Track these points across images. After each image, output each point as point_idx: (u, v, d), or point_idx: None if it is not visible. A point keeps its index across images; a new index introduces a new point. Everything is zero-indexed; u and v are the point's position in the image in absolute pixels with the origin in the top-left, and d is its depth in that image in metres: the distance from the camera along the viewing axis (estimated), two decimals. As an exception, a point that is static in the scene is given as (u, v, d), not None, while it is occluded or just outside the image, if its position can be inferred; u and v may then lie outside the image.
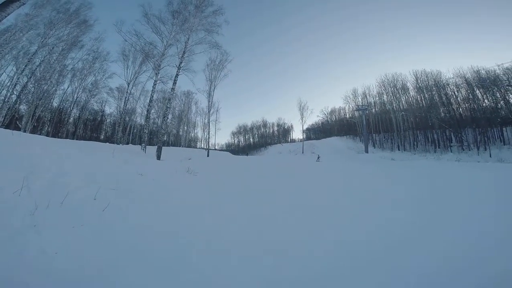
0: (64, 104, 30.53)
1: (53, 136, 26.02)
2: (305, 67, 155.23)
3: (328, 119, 70.52)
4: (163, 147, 13.69)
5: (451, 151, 33.02)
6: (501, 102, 31.93)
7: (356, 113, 50.03)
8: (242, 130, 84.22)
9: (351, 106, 54.65)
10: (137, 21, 15.05)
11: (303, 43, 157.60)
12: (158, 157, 12.10)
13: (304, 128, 65.07)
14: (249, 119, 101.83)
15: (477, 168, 14.39)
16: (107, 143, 18.52)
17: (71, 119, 33.64)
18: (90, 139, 34.25)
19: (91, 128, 40.98)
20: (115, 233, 3.10)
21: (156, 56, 15.39)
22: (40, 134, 21.29)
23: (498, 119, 31.16)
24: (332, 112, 69.44)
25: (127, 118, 32.40)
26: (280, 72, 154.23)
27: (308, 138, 68.29)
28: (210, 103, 28.92)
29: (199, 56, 16.48)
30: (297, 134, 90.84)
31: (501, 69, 31.85)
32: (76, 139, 24.44)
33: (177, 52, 14.40)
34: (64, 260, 2.32)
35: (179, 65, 14.02)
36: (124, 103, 25.44)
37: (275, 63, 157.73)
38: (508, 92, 31.16)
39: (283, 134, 79.50)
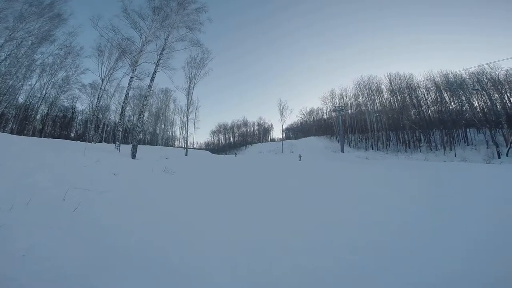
0: (31, 100, 28.69)
1: (18, 133, 24.35)
2: (286, 66, 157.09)
3: (307, 119, 72.07)
4: (138, 145, 13.28)
5: (420, 151, 34.91)
6: (466, 105, 34.26)
7: (333, 114, 51.43)
8: (222, 129, 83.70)
9: (328, 107, 56.15)
10: (115, 16, 14.40)
11: (284, 42, 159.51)
12: (133, 156, 11.73)
13: (284, 127, 65.86)
14: (230, 118, 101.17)
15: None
16: (78, 141, 17.66)
17: (39, 116, 31.71)
18: (59, 137, 32.33)
19: (61, 126, 38.82)
20: (87, 235, 2.99)
21: (134, 52, 14.85)
22: (3, 132, 19.83)
23: (463, 121, 33.41)
24: (311, 112, 71.05)
25: (100, 116, 31.04)
26: (261, 71, 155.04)
27: (287, 137, 69.23)
28: (189, 101, 28.44)
29: (179, 54, 16.15)
30: (277, 133, 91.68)
31: (467, 73, 34.20)
32: (44, 137, 23.04)
33: (156, 48, 14.03)
34: (32, 262, 2.21)
35: (157, 62, 13.65)
36: (98, 99, 24.38)
37: (257, 62, 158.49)
38: (473, 95, 33.47)
39: (263, 133, 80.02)
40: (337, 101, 52.64)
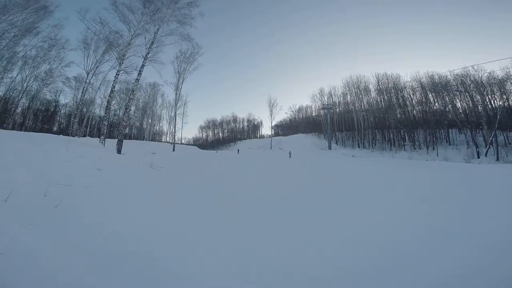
0: (11, 93, 27.62)
1: (-3, 126, 23.38)
2: (276, 63, 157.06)
3: (296, 117, 72.66)
4: (124, 140, 13.06)
5: (405, 150, 35.90)
6: (449, 106, 35.42)
7: (322, 112, 52.06)
8: (211, 125, 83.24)
9: (317, 105, 56.80)
10: (104, 9, 14.06)
11: (275, 39, 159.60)
12: (119, 151, 11.51)
13: (273, 124, 66.23)
14: (219, 113, 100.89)
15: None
16: (61, 135, 17.11)
17: (19, 109, 30.63)
18: (41, 130, 31.23)
19: (43, 119, 37.55)
20: (69, 231, 2.93)
21: (122, 46, 14.50)
22: (-20, 124, 19.01)
23: (446, 122, 34.55)
24: (300, 110, 71.62)
25: (84, 109, 30.23)
26: (252, 67, 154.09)
27: (276, 134, 69.61)
28: (177, 95, 28.15)
29: (168, 48, 15.88)
30: (266, 130, 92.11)
31: (452, 75, 35.31)
32: (25, 131, 22.21)
33: (145, 42, 13.77)
34: (10, 260, 2.15)
35: (146, 56, 13.40)
36: (82, 93, 23.66)
37: (247, 57, 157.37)
38: (456, 97, 34.62)
39: (252, 129, 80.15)
40: (325, 99, 53.35)
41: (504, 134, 29.71)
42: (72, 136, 19.41)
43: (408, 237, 3.79)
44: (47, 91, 31.73)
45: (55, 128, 38.84)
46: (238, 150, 44.03)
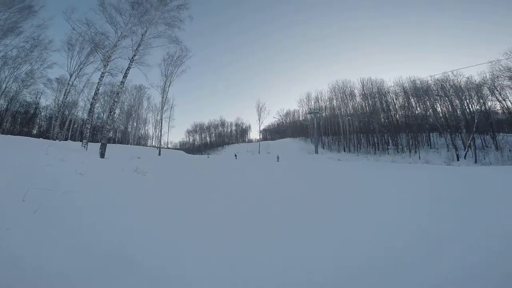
0: (-12, 95, 26.47)
1: (-29, 129, 22.34)
2: (265, 67, 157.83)
3: (283, 121, 73.33)
4: (108, 144, 12.76)
5: (388, 153, 36.88)
6: (430, 110, 36.76)
7: (309, 116, 52.74)
8: (199, 129, 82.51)
9: (304, 109, 57.59)
10: (90, 9, 13.75)
11: (264, 43, 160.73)
12: (102, 155, 11.22)
13: (261, 128, 66.36)
14: (206, 117, 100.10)
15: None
16: (41, 138, 16.52)
17: (-4, 112, 29.34)
18: (19, 133, 30.07)
19: (22, 122, 36.16)
20: (49, 236, 2.85)
21: (107, 47, 14.15)
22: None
23: (427, 126, 35.82)
24: (287, 114, 72.35)
25: (66, 112, 29.35)
26: (240, 71, 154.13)
27: (264, 138, 69.84)
28: (164, 99, 27.82)
29: (156, 50, 15.73)
30: (254, 134, 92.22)
31: (432, 80, 36.72)
32: (2, 133, 21.29)
33: (131, 44, 13.54)
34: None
35: (132, 58, 13.18)
36: (64, 95, 23.05)
37: (235, 61, 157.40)
38: (436, 101, 35.98)
39: (241, 134, 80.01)
40: (312, 103, 54.21)
41: (482, 138, 30.98)
42: (53, 139, 18.83)
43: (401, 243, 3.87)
44: (27, 92, 30.66)
45: (34, 131, 37.46)
46: (236, 155, 39.08)
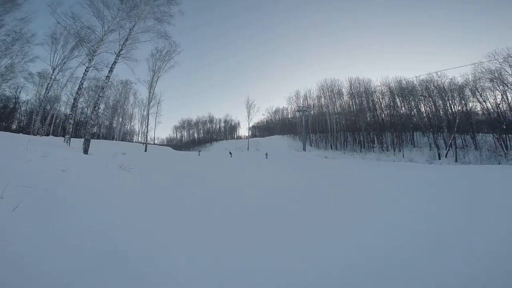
0: (-35, 89, 25.34)
1: None
2: (255, 64, 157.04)
3: (272, 118, 73.54)
4: (92, 140, 12.52)
5: (373, 151, 37.73)
6: (414, 110, 37.78)
7: (297, 114, 53.16)
8: (186, 125, 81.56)
9: (293, 107, 58.04)
10: (77, 3, 13.32)
11: (254, 40, 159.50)
12: (86, 151, 11.00)
13: (250, 125, 66.35)
14: (195, 113, 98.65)
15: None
16: (21, 133, 15.97)
17: (-27, 106, 28.11)
18: (-2, 128, 29.00)
19: (0, 117, 34.81)
20: (29, 233, 2.83)
21: (93, 41, 13.75)
22: None
23: (411, 125, 36.83)
24: (276, 111, 72.64)
25: (48, 107, 28.45)
26: (230, 68, 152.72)
27: (253, 135, 69.98)
28: (151, 94, 27.44)
29: (143, 45, 15.46)
30: (243, 131, 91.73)
31: (418, 80, 37.70)
32: (-21, 128, 20.46)
33: (118, 38, 13.23)
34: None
35: (118, 52, 12.90)
36: (46, 89, 22.25)
37: (225, 58, 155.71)
38: (421, 101, 37.00)
39: (229, 130, 79.67)
40: (301, 101, 54.70)
41: (462, 137, 32.14)
42: (34, 135, 18.20)
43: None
44: (6, 86, 29.42)
45: (14, 126, 36.16)
46: (231, 153, 36.91)
